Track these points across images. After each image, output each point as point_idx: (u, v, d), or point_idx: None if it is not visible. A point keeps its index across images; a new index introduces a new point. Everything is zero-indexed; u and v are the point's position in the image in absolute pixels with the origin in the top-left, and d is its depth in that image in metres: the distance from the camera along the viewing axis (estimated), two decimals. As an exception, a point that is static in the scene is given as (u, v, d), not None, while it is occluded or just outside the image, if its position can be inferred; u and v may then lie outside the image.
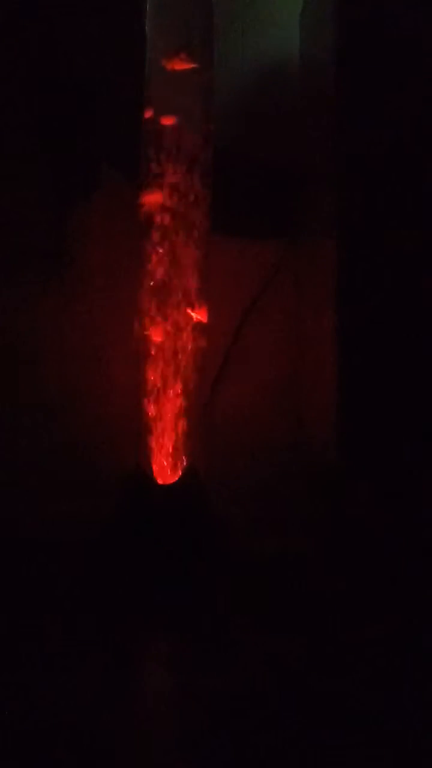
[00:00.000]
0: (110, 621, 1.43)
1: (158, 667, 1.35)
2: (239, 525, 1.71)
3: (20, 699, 1.15)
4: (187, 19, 1.65)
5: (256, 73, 2.02)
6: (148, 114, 1.64)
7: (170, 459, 1.62)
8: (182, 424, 1.62)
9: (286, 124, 1.95)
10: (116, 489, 1.62)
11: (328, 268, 1.62)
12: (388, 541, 1.52)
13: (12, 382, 1.89)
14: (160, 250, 1.63)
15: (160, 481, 1.60)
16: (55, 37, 1.89)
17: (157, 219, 1.63)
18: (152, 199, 1.63)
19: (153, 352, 1.62)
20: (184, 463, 1.61)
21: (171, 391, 1.62)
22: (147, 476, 1.60)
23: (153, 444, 1.61)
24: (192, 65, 1.64)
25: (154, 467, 1.61)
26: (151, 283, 1.63)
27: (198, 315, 1.63)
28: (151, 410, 1.62)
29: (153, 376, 1.62)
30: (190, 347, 1.63)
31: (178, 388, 1.62)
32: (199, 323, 1.63)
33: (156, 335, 1.62)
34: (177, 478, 1.61)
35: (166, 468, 1.61)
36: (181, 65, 1.63)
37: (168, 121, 1.63)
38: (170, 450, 1.62)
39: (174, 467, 1.61)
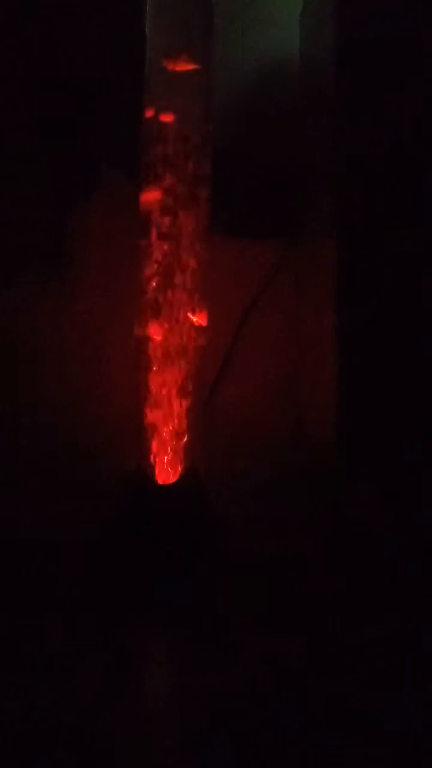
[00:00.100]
0: (110, 621, 1.43)
1: (158, 667, 1.35)
2: (239, 525, 1.71)
3: (20, 699, 1.15)
4: (187, 19, 1.65)
5: (256, 73, 2.02)
6: (148, 114, 1.64)
7: (170, 459, 1.61)
8: (182, 424, 1.62)
9: (286, 124, 1.95)
10: (116, 489, 1.62)
11: (328, 268, 1.62)
12: (388, 541, 1.52)
13: (12, 382, 1.89)
14: (160, 250, 1.63)
15: (159, 481, 1.60)
16: (55, 37, 1.89)
17: (157, 219, 1.63)
18: (152, 198, 1.63)
19: (153, 352, 1.62)
20: (184, 463, 1.61)
21: (171, 391, 1.62)
22: (147, 476, 1.60)
23: (153, 444, 1.61)
24: (192, 66, 1.64)
25: (154, 467, 1.61)
26: (151, 283, 1.63)
27: (198, 319, 1.63)
28: (151, 410, 1.62)
29: (153, 376, 1.62)
30: (189, 347, 1.63)
31: (178, 387, 1.62)
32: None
33: (156, 335, 1.62)
34: (177, 478, 1.61)
35: (166, 468, 1.61)
36: (181, 66, 1.63)
37: (168, 120, 1.63)
38: (170, 450, 1.61)
39: (174, 467, 1.61)
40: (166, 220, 1.63)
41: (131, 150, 1.67)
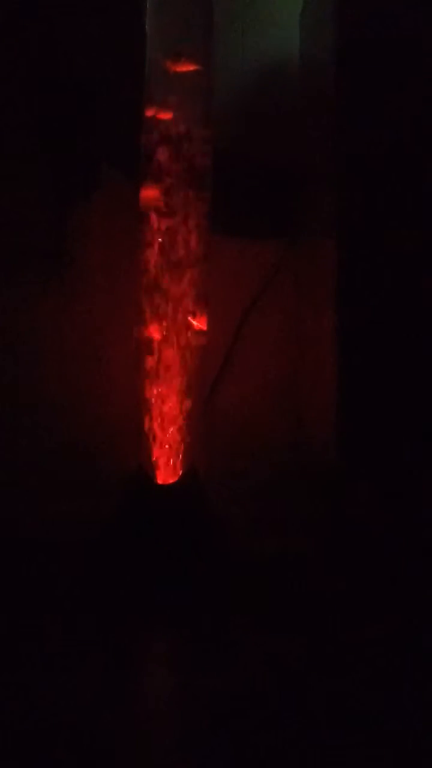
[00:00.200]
0: (110, 621, 1.43)
1: (158, 667, 1.35)
2: (239, 525, 1.71)
3: (20, 699, 1.15)
4: (187, 19, 1.65)
5: (256, 73, 2.02)
6: (148, 114, 1.64)
7: (170, 459, 1.61)
8: (182, 424, 1.62)
9: (286, 124, 1.95)
10: (117, 489, 1.62)
11: (328, 268, 1.62)
12: (388, 541, 1.52)
13: (12, 382, 1.89)
14: (160, 250, 1.63)
15: (159, 481, 1.60)
16: (55, 37, 1.89)
17: (157, 219, 1.63)
18: (152, 198, 1.63)
19: (153, 352, 1.62)
20: (184, 464, 1.61)
21: (171, 391, 1.62)
22: (147, 476, 1.60)
23: (153, 444, 1.61)
24: (192, 66, 1.64)
25: (154, 467, 1.61)
26: (151, 283, 1.63)
27: (198, 323, 1.63)
28: (151, 410, 1.62)
29: (153, 376, 1.62)
30: (189, 347, 1.63)
31: (178, 388, 1.62)
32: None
33: (156, 335, 1.62)
34: (177, 478, 1.61)
35: (166, 468, 1.61)
36: (181, 67, 1.63)
37: (168, 120, 1.63)
38: (170, 450, 1.61)
39: (174, 467, 1.61)
40: (166, 220, 1.63)
41: (131, 150, 1.67)
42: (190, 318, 1.62)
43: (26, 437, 1.87)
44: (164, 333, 1.62)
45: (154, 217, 1.63)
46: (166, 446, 1.61)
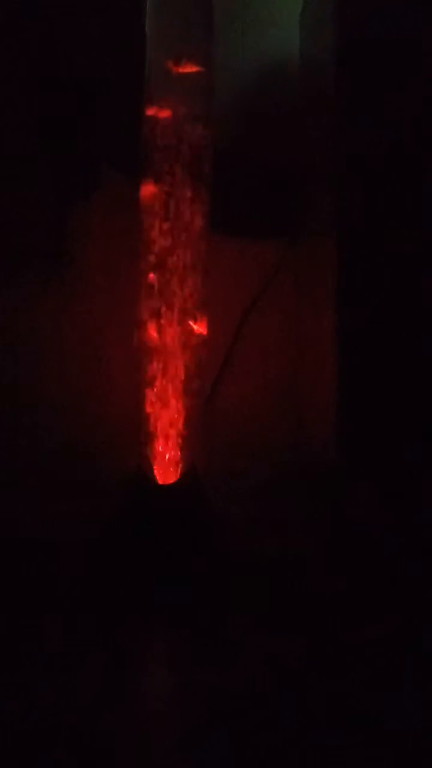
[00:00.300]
0: (110, 621, 1.43)
1: (158, 667, 1.35)
2: (239, 525, 1.71)
3: (20, 699, 1.15)
4: (187, 19, 1.65)
5: (256, 73, 2.02)
6: (148, 114, 1.64)
7: (170, 459, 1.61)
8: (182, 424, 1.62)
9: (286, 124, 1.95)
10: (117, 489, 1.62)
11: (328, 268, 1.62)
12: (388, 541, 1.52)
13: (12, 382, 1.89)
14: (160, 250, 1.63)
15: (159, 481, 1.60)
16: (55, 37, 1.89)
17: (157, 219, 1.63)
18: (152, 198, 1.63)
19: (153, 352, 1.62)
20: (184, 464, 1.61)
21: (171, 391, 1.62)
22: (147, 476, 1.60)
23: (153, 444, 1.61)
24: (192, 67, 1.64)
25: (154, 467, 1.61)
26: (151, 283, 1.63)
27: (198, 327, 1.63)
28: (151, 410, 1.62)
29: (153, 376, 1.62)
30: (189, 347, 1.63)
31: (178, 387, 1.62)
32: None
33: (155, 335, 1.62)
34: (177, 478, 1.61)
35: (166, 468, 1.61)
36: (183, 69, 1.63)
37: (168, 120, 1.63)
38: (170, 450, 1.61)
39: (174, 467, 1.61)
40: (166, 220, 1.63)
41: (131, 150, 1.67)
42: (190, 322, 1.62)
43: (26, 437, 1.86)
44: (164, 333, 1.62)
45: (153, 217, 1.63)
46: (166, 446, 1.61)
